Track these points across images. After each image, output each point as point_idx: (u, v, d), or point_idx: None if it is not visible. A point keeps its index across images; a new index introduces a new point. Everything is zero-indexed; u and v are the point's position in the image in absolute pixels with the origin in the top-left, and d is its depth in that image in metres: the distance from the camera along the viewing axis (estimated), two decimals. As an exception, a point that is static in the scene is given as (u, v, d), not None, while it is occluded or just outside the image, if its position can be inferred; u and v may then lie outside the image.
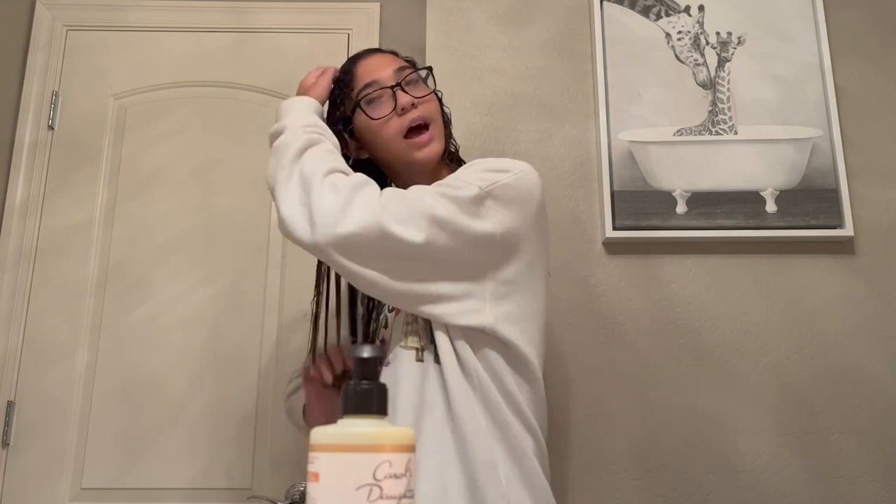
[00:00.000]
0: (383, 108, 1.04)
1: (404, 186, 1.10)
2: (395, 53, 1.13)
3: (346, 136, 1.08)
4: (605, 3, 1.67)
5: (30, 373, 1.64)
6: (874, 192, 1.57)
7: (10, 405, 1.61)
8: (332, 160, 0.96)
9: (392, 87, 1.04)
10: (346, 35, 1.85)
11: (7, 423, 1.60)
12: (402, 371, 0.98)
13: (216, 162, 1.77)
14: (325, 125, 1.03)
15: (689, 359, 1.49)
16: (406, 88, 1.05)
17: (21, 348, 1.65)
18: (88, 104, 1.80)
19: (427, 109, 1.06)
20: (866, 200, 1.56)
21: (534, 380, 1.02)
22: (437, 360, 0.97)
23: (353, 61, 1.11)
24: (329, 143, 1.00)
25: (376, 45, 1.82)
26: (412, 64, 1.12)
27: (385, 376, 0.97)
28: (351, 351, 0.60)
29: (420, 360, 0.98)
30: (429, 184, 1.08)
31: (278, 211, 0.93)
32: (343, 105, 1.08)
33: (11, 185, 1.73)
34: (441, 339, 0.96)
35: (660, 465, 1.44)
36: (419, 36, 1.76)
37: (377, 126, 1.05)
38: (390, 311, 1.08)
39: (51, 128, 1.78)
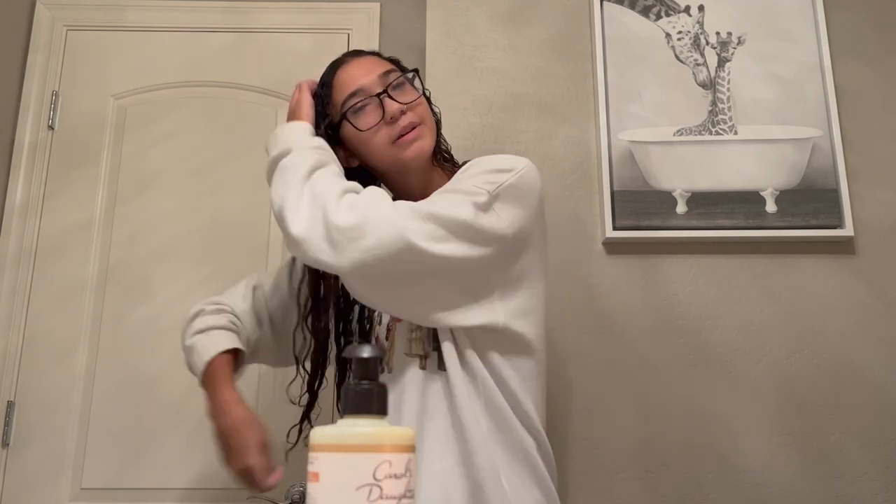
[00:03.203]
0: (371, 118, 1.01)
1: (398, 190, 1.09)
2: (377, 54, 1.10)
3: (333, 144, 1.06)
4: (605, 3, 1.67)
5: (30, 373, 1.64)
6: (874, 192, 1.57)
7: (10, 405, 1.61)
8: (343, 180, 0.95)
9: (378, 95, 1.01)
10: (346, 35, 1.85)
11: (7, 423, 1.60)
12: (406, 379, 0.99)
13: (216, 162, 1.77)
14: (328, 146, 1.01)
15: (689, 359, 1.49)
16: (393, 94, 1.01)
17: (21, 348, 1.65)
18: (88, 104, 1.80)
19: (417, 113, 1.03)
20: (866, 200, 1.56)
21: (539, 375, 1.03)
22: (440, 366, 0.97)
23: (333, 68, 1.08)
24: (336, 166, 0.98)
25: (376, 46, 1.82)
26: (397, 64, 1.09)
27: (390, 385, 0.97)
28: (351, 351, 0.60)
29: (423, 367, 0.98)
30: (423, 185, 1.06)
31: (288, 232, 0.90)
32: (328, 114, 1.06)
33: (11, 185, 1.73)
34: (447, 347, 0.96)
35: (660, 465, 1.44)
36: (419, 36, 1.76)
37: (366, 137, 1.02)
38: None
39: (51, 128, 1.78)
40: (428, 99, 1.09)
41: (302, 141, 0.99)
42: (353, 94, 1.02)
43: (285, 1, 1.88)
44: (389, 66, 1.07)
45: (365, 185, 1.11)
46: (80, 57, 1.84)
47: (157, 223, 1.73)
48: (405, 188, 1.08)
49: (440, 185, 1.08)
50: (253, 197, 1.74)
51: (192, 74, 1.84)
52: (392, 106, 1.00)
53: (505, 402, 0.97)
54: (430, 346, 0.98)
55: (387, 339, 1.05)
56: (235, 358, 1.10)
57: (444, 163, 1.12)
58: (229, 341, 1.09)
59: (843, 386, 1.47)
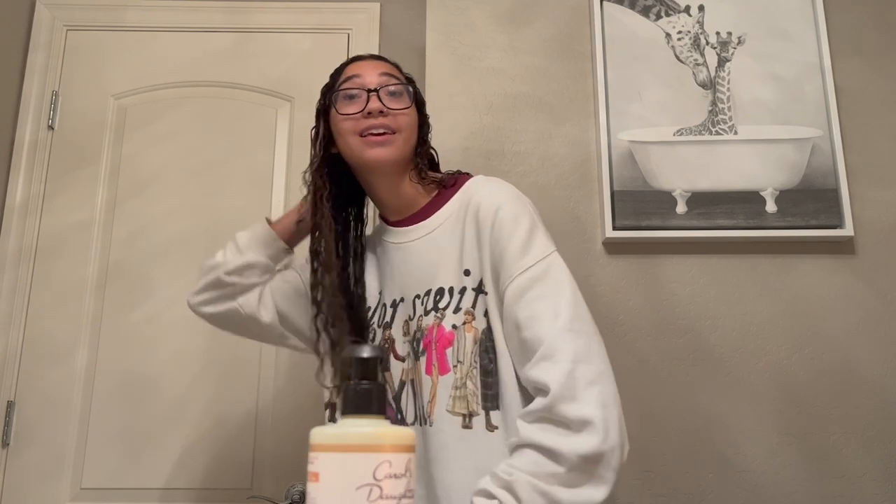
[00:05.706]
0: (353, 107, 1.03)
1: (367, 188, 1.11)
2: (396, 65, 1.11)
3: (322, 127, 1.09)
4: (605, 2, 1.67)
5: (30, 373, 1.64)
6: (874, 192, 1.56)
7: (10, 405, 1.61)
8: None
9: (368, 91, 1.02)
10: (346, 35, 1.85)
11: (7, 423, 1.60)
12: (448, 437, 0.96)
13: (216, 162, 1.77)
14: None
15: (689, 359, 1.49)
16: (382, 96, 1.02)
17: (21, 348, 1.65)
18: (88, 104, 1.80)
19: (397, 121, 1.03)
20: (866, 200, 1.56)
21: None
22: (488, 427, 0.94)
23: (351, 59, 1.12)
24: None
25: (376, 45, 1.82)
26: (410, 80, 1.10)
27: (431, 439, 0.97)
28: (351, 351, 0.60)
29: (468, 426, 0.95)
30: (394, 193, 1.07)
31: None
32: (327, 95, 1.09)
33: (11, 185, 1.74)
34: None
35: (660, 465, 1.44)
36: (419, 36, 1.76)
37: (339, 119, 1.05)
38: (379, 326, 1.08)
39: (51, 128, 1.78)
40: (425, 121, 1.11)
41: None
42: (348, 79, 1.06)
43: (285, 1, 1.89)
44: (398, 74, 1.09)
45: (340, 176, 1.11)
46: (80, 57, 1.84)
47: (157, 223, 1.73)
48: (372, 188, 1.10)
49: (413, 198, 1.08)
50: (253, 197, 1.74)
51: (192, 74, 1.84)
52: (374, 103, 1.02)
53: None
54: (477, 406, 0.95)
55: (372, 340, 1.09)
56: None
57: (421, 179, 1.08)
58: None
59: (843, 386, 1.47)
